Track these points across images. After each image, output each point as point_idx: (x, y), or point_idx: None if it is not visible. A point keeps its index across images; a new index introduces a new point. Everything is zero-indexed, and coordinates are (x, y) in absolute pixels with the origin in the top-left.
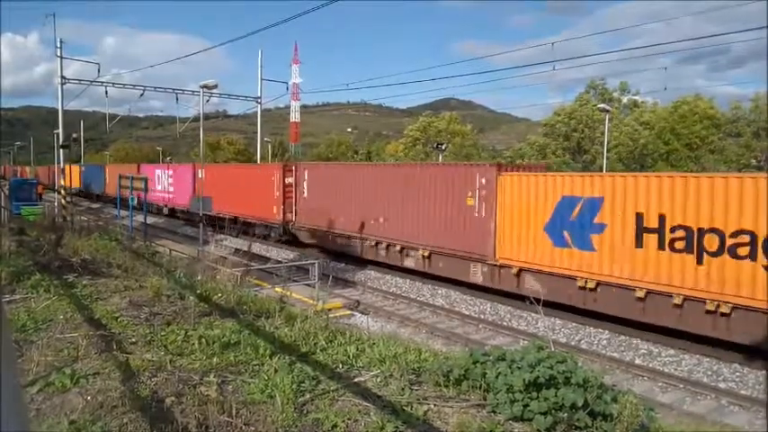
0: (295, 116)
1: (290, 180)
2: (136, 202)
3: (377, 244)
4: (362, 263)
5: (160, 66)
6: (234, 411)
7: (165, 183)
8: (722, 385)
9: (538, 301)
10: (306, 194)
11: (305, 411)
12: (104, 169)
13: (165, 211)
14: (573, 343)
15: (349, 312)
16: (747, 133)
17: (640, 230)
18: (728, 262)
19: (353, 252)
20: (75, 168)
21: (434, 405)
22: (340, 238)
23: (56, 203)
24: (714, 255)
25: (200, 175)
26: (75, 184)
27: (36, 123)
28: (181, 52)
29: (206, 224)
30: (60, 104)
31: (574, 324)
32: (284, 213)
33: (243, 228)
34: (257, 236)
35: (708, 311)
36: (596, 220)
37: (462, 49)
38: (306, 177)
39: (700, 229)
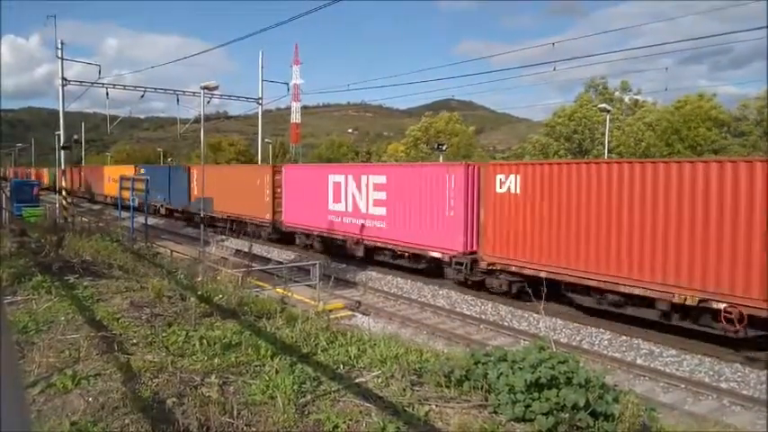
0: (296, 117)
1: None
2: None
3: None
4: (363, 262)
5: (161, 67)
6: (235, 412)
7: (361, 199)
8: (724, 385)
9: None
10: None
11: (306, 412)
12: (190, 173)
13: (359, 252)
14: (574, 343)
15: (350, 313)
16: (755, 133)
17: None
18: None
19: None
20: (126, 171)
21: (436, 406)
22: None
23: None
24: None
25: (513, 187)
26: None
27: (37, 125)
28: (182, 54)
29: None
30: (61, 106)
31: (575, 324)
32: None
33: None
34: None
35: None
36: None
37: (463, 49)
38: None
39: None
